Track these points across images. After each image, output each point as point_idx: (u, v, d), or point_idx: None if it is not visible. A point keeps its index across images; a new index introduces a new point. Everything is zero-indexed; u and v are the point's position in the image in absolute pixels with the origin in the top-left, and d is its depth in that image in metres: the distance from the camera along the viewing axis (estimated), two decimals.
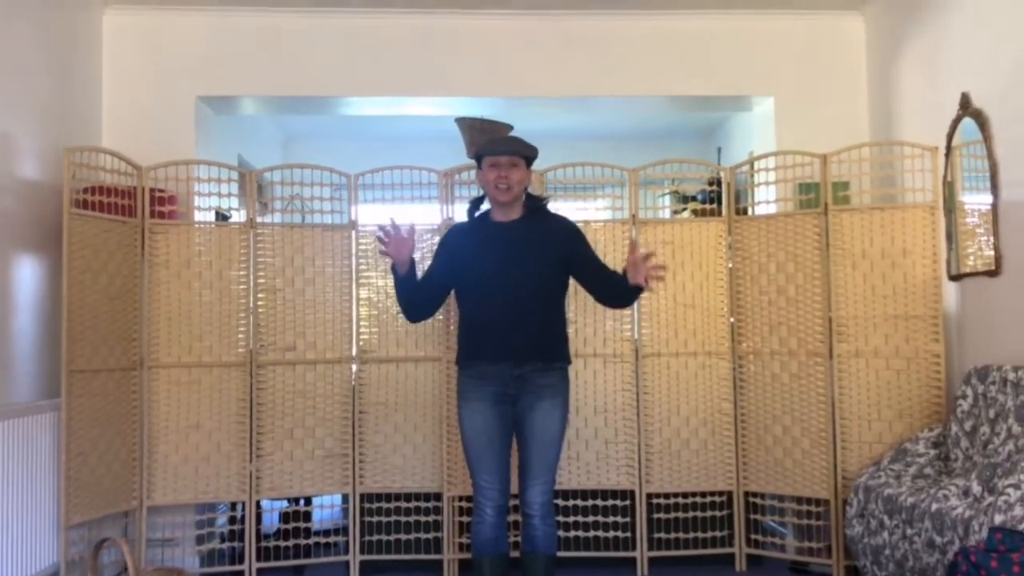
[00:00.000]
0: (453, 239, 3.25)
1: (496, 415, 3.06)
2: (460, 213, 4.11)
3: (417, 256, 4.04)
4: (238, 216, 4.63)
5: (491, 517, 3.06)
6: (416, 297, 3.20)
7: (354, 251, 4.09)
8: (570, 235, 3.19)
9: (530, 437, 3.07)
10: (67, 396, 3.51)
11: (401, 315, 4.01)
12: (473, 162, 4.63)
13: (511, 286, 3.05)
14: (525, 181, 3.13)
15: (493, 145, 3.20)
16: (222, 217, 4.55)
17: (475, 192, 4.13)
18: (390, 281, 4.03)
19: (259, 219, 4.09)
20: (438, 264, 3.22)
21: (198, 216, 4.18)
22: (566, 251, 3.14)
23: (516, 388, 3.05)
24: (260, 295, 4.00)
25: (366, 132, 6.53)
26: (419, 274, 3.19)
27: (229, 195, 4.11)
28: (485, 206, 3.23)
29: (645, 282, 2.86)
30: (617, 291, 3.13)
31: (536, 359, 3.06)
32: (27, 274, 3.62)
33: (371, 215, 4.18)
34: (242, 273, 4.00)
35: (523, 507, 3.08)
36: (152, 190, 3.94)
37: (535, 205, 3.18)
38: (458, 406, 3.14)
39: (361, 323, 4.08)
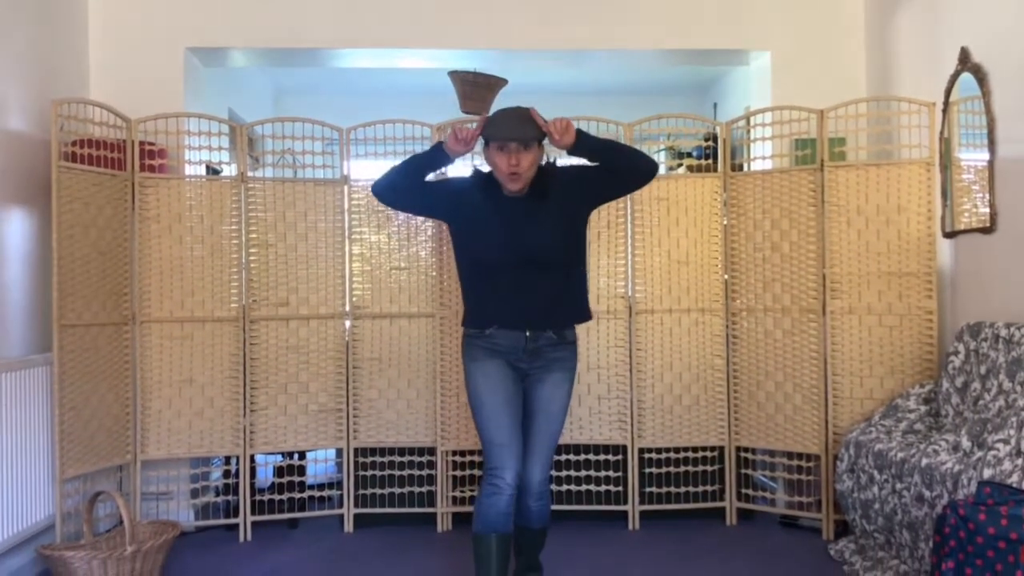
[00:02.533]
0: (470, 184, 2.97)
1: (511, 375, 2.89)
2: (453, 169, 4.07)
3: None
4: (229, 170, 4.59)
5: (509, 488, 2.77)
6: (416, 186, 2.95)
7: (347, 206, 4.06)
8: (569, 176, 2.94)
9: (536, 410, 2.91)
10: (59, 351, 3.50)
11: (394, 271, 4.04)
12: (467, 116, 4.61)
13: (528, 260, 2.84)
14: (538, 159, 2.87)
15: (502, 128, 2.82)
16: (212, 171, 4.50)
17: None
18: (383, 237, 4.05)
19: (250, 173, 4.05)
20: (444, 188, 3.05)
21: (188, 170, 4.14)
22: (576, 191, 2.92)
23: (527, 362, 2.90)
24: (252, 250, 3.98)
25: (358, 86, 6.46)
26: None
27: (220, 149, 4.06)
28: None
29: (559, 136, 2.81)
30: (616, 167, 2.93)
31: (551, 329, 2.90)
32: (16, 228, 3.58)
33: (363, 170, 4.14)
34: (234, 228, 3.97)
35: (520, 483, 2.91)
36: (142, 143, 3.89)
37: (546, 179, 2.91)
38: (467, 368, 2.93)
39: (354, 279, 4.06)
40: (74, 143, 3.67)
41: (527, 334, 2.87)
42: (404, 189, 2.96)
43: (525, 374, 2.93)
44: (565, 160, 3.07)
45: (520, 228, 2.87)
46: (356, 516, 4.04)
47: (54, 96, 3.71)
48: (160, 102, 4.12)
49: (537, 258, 2.86)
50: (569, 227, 2.95)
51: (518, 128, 2.80)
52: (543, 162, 2.94)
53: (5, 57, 3.54)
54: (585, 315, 3.03)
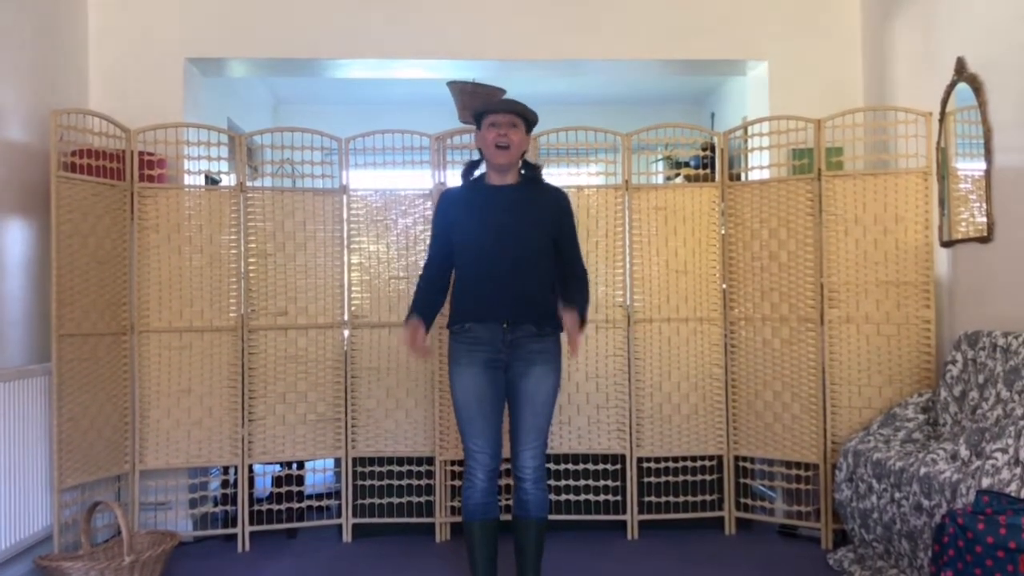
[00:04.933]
0: (447, 204, 3.18)
1: (488, 380, 3.04)
2: (452, 178, 4.10)
3: (409, 221, 4.06)
4: (228, 180, 4.60)
5: (482, 483, 3.06)
6: (439, 295, 3.22)
7: (345, 216, 4.07)
8: (561, 211, 3.16)
9: (522, 402, 3.06)
10: (57, 360, 3.50)
11: (393, 280, 4.07)
12: (465, 126, 4.62)
13: (505, 248, 3.02)
14: (524, 145, 3.10)
15: (493, 104, 3.14)
16: (212, 181, 4.51)
17: (467, 157, 4.11)
18: (381, 246, 4.07)
19: (249, 183, 4.06)
20: (440, 238, 3.16)
21: (187, 180, 4.15)
22: (554, 226, 3.13)
23: (508, 354, 3.04)
24: (251, 260, 3.98)
25: (357, 95, 6.48)
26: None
27: (219, 159, 4.07)
28: (480, 171, 3.18)
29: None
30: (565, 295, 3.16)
31: (528, 323, 3.03)
32: (15, 238, 3.59)
33: (362, 179, 4.15)
34: (233, 238, 3.97)
35: (515, 471, 3.10)
36: (141, 153, 3.90)
37: (531, 173, 3.16)
38: (449, 371, 3.11)
39: (353, 288, 4.07)
40: (73, 153, 3.67)
41: (504, 326, 3.03)
42: (439, 294, 3.22)
43: (507, 365, 3.06)
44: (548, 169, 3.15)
45: (504, 210, 3.07)
46: (355, 526, 4.03)
47: (53, 106, 3.72)
48: (159, 112, 4.14)
49: (520, 240, 3.04)
50: (547, 232, 3.11)
51: (509, 104, 3.10)
52: (530, 159, 3.18)
53: (5, 67, 3.55)
54: (557, 322, 3.08)
